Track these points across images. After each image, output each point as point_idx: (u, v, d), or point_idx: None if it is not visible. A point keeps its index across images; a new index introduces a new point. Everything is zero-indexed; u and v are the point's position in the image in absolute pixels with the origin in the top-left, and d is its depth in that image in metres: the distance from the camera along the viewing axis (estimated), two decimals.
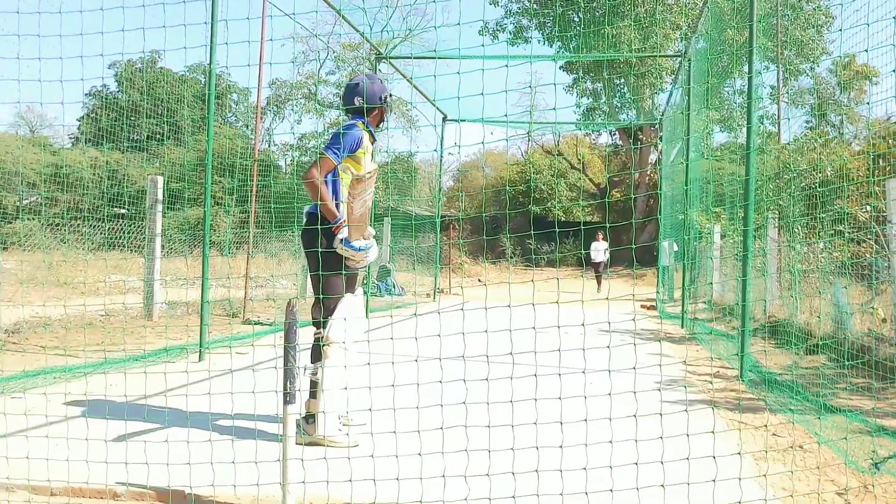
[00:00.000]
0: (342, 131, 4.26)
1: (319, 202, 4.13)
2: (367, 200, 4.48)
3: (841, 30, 3.91)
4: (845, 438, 3.91)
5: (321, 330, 4.16)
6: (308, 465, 3.20)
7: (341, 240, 4.17)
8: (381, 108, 4.55)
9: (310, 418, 4.22)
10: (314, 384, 4.19)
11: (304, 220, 4.38)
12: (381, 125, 4.63)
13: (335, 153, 4.18)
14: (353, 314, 4.32)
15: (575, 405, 3.32)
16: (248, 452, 3.56)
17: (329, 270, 4.12)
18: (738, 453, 3.17)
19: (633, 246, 3.31)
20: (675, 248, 19.36)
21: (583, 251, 21.88)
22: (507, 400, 3.06)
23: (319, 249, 4.03)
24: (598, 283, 21.53)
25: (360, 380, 3.81)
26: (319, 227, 4.07)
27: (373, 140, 4.48)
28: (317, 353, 4.20)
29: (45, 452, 3.52)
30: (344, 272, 4.17)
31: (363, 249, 4.26)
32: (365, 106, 4.39)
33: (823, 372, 6.40)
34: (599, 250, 21.27)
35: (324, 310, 4.20)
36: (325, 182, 4.18)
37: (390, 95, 4.62)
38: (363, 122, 4.40)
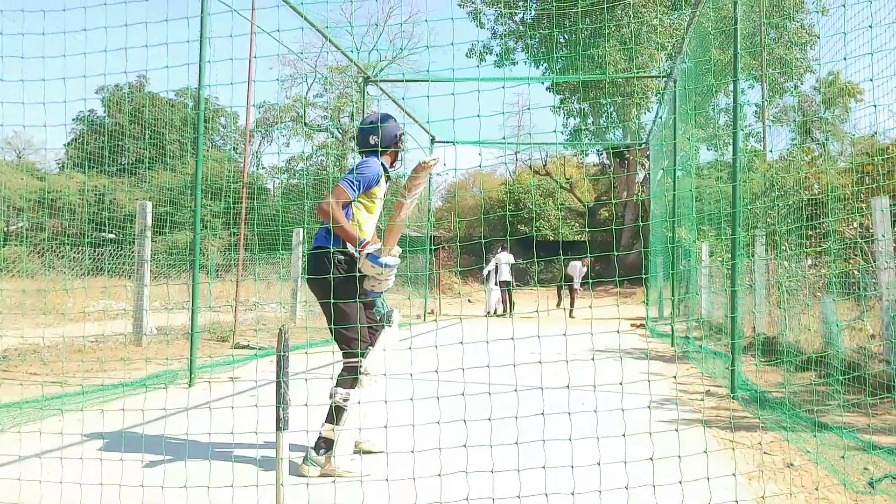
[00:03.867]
0: (361, 166, 4.11)
1: (333, 224, 3.92)
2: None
3: (845, 33, 3.94)
4: (843, 457, 3.90)
5: (360, 359, 3.96)
6: (289, 489, 3.17)
7: (367, 254, 3.94)
8: (396, 148, 4.39)
9: (320, 447, 4.00)
10: (338, 411, 3.95)
11: (312, 246, 4.18)
12: (395, 165, 4.44)
13: (352, 187, 4.03)
14: (391, 346, 4.20)
15: (560, 422, 3.20)
16: (246, 477, 3.52)
17: (342, 298, 3.94)
18: (733, 474, 3.16)
19: (622, 279, 3.31)
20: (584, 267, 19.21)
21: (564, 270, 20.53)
22: (485, 417, 2.99)
23: (331, 276, 3.87)
24: (504, 305, 17.58)
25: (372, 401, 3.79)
26: (331, 253, 3.97)
27: (387, 179, 4.35)
28: (349, 381, 4.00)
29: (38, 484, 3.47)
30: (358, 300, 4.01)
31: (389, 266, 3.96)
32: (381, 149, 4.25)
33: (815, 388, 6.41)
34: (501, 263, 17.56)
35: (343, 340, 3.99)
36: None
37: (403, 134, 4.45)
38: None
